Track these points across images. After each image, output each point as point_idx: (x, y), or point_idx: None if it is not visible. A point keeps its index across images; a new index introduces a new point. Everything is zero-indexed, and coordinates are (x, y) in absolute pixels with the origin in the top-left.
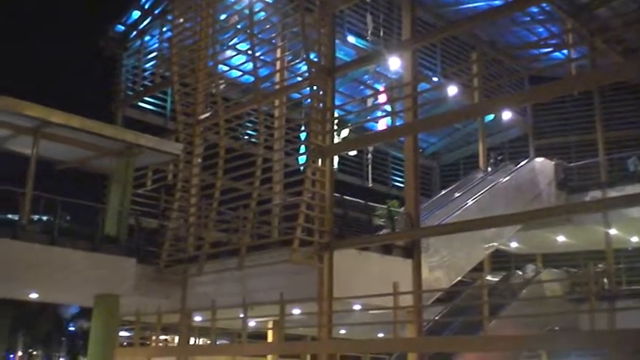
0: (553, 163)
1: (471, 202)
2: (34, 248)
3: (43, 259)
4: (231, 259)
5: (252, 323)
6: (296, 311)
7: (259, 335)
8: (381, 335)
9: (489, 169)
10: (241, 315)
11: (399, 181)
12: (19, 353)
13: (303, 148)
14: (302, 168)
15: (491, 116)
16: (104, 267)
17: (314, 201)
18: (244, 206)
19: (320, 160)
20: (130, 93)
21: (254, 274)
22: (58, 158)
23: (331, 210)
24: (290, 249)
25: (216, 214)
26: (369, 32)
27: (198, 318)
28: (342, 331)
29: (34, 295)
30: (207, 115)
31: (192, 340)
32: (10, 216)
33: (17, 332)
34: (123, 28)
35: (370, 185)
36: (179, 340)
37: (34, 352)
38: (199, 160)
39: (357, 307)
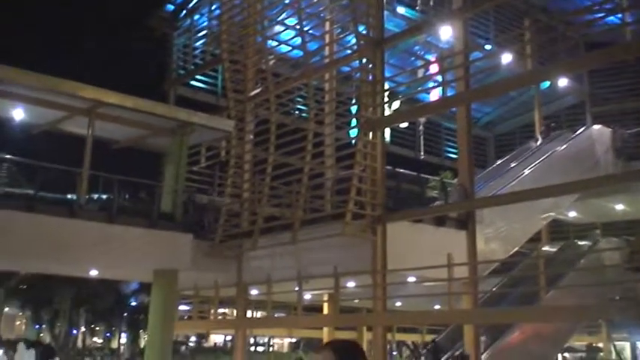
0: (610, 130)
1: (527, 172)
2: (92, 226)
3: (101, 236)
4: (285, 233)
5: (307, 296)
6: (350, 284)
7: (314, 308)
8: (436, 307)
9: (539, 138)
10: (296, 288)
11: (452, 153)
12: (82, 329)
13: (353, 122)
14: (353, 141)
15: (546, 84)
16: (161, 243)
17: (366, 174)
18: (296, 181)
19: (371, 133)
20: (182, 72)
21: (308, 248)
22: (114, 138)
23: (383, 183)
24: (343, 222)
25: (269, 189)
26: (419, 2)
27: (254, 291)
28: (398, 304)
29: (94, 273)
30: (257, 91)
31: (249, 313)
32: (68, 196)
33: (79, 308)
34: (172, 7)
35: (422, 157)
36: (236, 313)
37: (97, 328)
38: (251, 136)
39: (411, 279)
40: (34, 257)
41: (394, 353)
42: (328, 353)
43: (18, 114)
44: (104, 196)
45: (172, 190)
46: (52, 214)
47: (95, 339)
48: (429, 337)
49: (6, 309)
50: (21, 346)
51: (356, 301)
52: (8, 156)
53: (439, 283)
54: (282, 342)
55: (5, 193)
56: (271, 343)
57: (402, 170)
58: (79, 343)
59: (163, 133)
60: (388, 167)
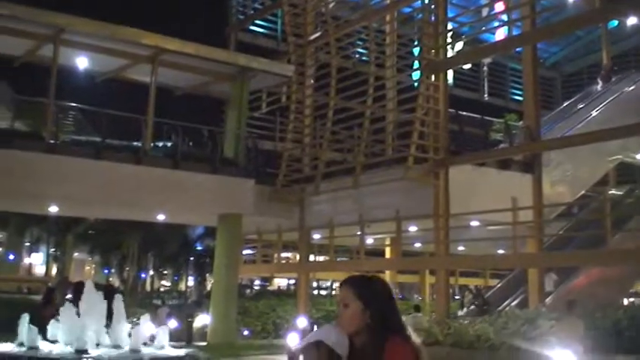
0: None
1: (595, 114)
2: (157, 172)
3: (166, 182)
4: (347, 177)
5: (369, 240)
6: (412, 228)
7: (376, 252)
8: (500, 252)
9: (599, 81)
10: (358, 232)
11: (517, 94)
12: (150, 272)
13: (415, 64)
14: (415, 84)
15: (614, 22)
16: (225, 188)
17: (428, 117)
18: (358, 125)
19: (433, 76)
20: (242, 17)
21: (369, 192)
22: (176, 85)
23: (446, 126)
24: (405, 166)
25: (330, 134)
26: None
27: (316, 236)
28: (460, 248)
29: (161, 217)
30: (317, 35)
31: (311, 257)
32: (134, 143)
33: (147, 253)
34: None
35: (486, 99)
36: (299, 257)
37: (164, 272)
38: (311, 80)
39: (474, 223)
40: (102, 203)
41: (457, 297)
42: (346, 289)
43: (82, 63)
44: (168, 144)
45: (234, 135)
46: (119, 160)
47: (163, 282)
48: (492, 282)
49: (75, 254)
50: (89, 287)
51: (418, 245)
52: (74, 104)
53: (503, 227)
54: None
55: (73, 141)
56: (334, 287)
57: (465, 113)
58: (148, 286)
59: (224, 79)
60: (451, 110)
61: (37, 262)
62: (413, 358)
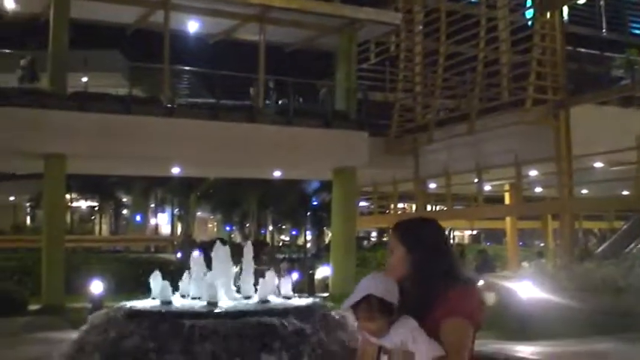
0: None
1: None
2: (271, 129)
3: (280, 139)
4: (461, 124)
5: (486, 187)
6: (532, 172)
7: (494, 199)
8: (624, 193)
9: None
10: (475, 180)
11: (638, 27)
12: (270, 228)
13: (529, 2)
14: (529, 23)
15: None
16: (338, 142)
17: (545, 57)
18: (470, 70)
19: (548, 13)
20: None
21: (486, 138)
22: (285, 41)
23: (564, 65)
24: (522, 109)
25: (442, 80)
26: None
27: (432, 185)
28: (584, 191)
29: (277, 174)
30: None
31: (428, 207)
32: (247, 102)
33: (266, 209)
34: None
35: (605, 35)
36: (416, 206)
37: (283, 227)
38: (420, 27)
39: (597, 164)
40: (220, 163)
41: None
42: (392, 233)
43: (193, 26)
44: (280, 101)
45: (345, 89)
46: (234, 120)
47: (282, 237)
48: (617, 224)
49: (198, 213)
50: (217, 244)
51: (538, 190)
52: (188, 68)
53: (627, 167)
54: (463, 234)
55: (189, 104)
56: (452, 236)
57: (583, 50)
58: (268, 241)
59: (332, 32)
60: (568, 48)
61: (162, 222)
62: (475, 307)
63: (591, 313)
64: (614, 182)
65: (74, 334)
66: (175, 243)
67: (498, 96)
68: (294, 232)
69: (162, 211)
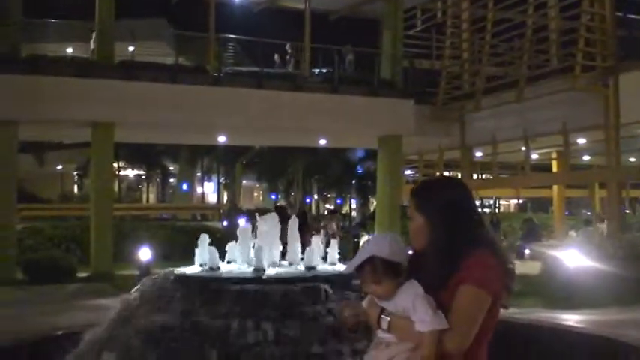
0: None
1: None
2: (317, 98)
3: (326, 107)
4: (509, 92)
5: (533, 156)
6: (580, 140)
7: (540, 167)
8: None
9: None
10: (523, 148)
11: None
12: (315, 196)
13: None
14: None
15: None
16: (384, 110)
17: (593, 23)
18: (518, 36)
19: None
20: None
21: (533, 106)
22: (330, 8)
23: (613, 31)
24: (571, 76)
25: (489, 47)
26: None
27: (478, 154)
28: (631, 159)
29: (322, 142)
30: None
31: (474, 176)
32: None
33: (311, 178)
34: None
35: None
36: (461, 175)
37: (328, 196)
38: None
39: None
40: (266, 131)
41: (626, 211)
42: (410, 198)
43: None
44: (324, 70)
45: (391, 56)
46: (279, 88)
47: (327, 205)
48: None
49: (244, 182)
50: (272, 212)
51: (586, 158)
52: (234, 36)
53: None
54: (509, 203)
55: (235, 72)
56: (497, 205)
57: (633, 16)
58: (313, 210)
59: None
60: (618, 14)
61: (208, 191)
62: (494, 275)
63: (637, 281)
64: None
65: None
66: (222, 211)
67: (546, 63)
68: (338, 202)
69: (209, 180)
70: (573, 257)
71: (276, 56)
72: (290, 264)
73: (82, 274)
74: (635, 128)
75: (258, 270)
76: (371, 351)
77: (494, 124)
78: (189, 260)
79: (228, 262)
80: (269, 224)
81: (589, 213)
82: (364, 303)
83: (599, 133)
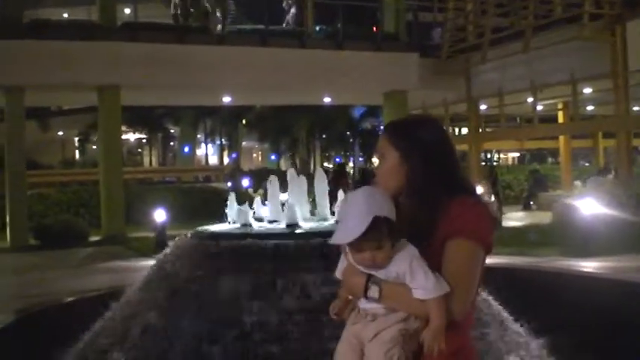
0: None
1: None
2: (321, 54)
3: (331, 63)
4: (515, 42)
5: (538, 107)
6: (587, 90)
7: (544, 119)
8: None
9: None
10: (530, 99)
11: None
12: (317, 155)
13: None
14: None
15: None
16: (388, 64)
17: None
18: None
19: None
20: None
21: (540, 56)
22: None
23: None
24: (579, 25)
25: None
26: None
27: (483, 106)
28: (635, 108)
29: (327, 100)
30: None
31: (480, 129)
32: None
33: (314, 136)
34: None
35: None
36: (469, 128)
37: (327, 155)
38: None
39: None
40: (271, 89)
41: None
42: (382, 136)
43: None
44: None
45: (394, 10)
46: (284, 46)
47: (325, 164)
48: None
49: (243, 143)
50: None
51: (590, 108)
52: None
53: None
54: (507, 156)
55: (239, 31)
56: (496, 159)
57: None
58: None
59: None
60: None
61: (209, 153)
62: (486, 226)
63: None
64: None
65: (147, 262)
66: (225, 173)
67: (552, 13)
68: (337, 160)
69: (211, 142)
70: (586, 205)
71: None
72: (320, 219)
73: (94, 238)
74: None
75: (292, 225)
76: (351, 325)
77: (501, 76)
78: (202, 221)
79: (257, 219)
80: (297, 180)
81: (587, 164)
82: (337, 273)
83: (606, 82)
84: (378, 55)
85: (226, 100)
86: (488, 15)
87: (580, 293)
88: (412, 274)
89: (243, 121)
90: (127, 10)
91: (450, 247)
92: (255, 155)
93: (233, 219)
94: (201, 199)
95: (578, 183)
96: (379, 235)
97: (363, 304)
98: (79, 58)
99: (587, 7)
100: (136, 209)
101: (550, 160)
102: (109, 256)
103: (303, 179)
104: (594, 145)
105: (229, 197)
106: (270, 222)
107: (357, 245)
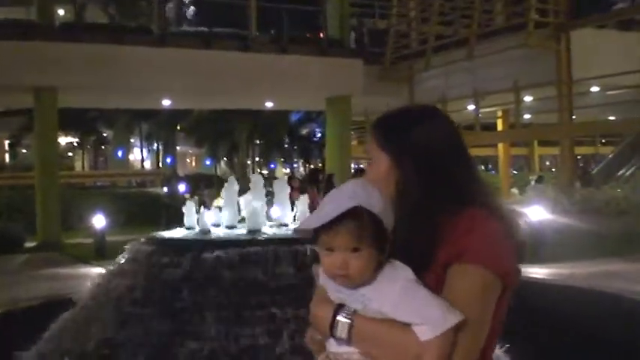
0: None
1: None
2: (265, 58)
3: (274, 68)
4: (459, 50)
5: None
6: (527, 98)
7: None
8: (611, 118)
9: None
10: (472, 106)
11: None
12: (256, 160)
13: None
14: None
15: None
16: (332, 70)
17: None
18: None
19: None
20: None
21: (485, 64)
22: None
23: None
24: (525, 32)
25: (438, 5)
26: None
27: None
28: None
29: (269, 104)
30: None
31: None
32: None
33: (253, 141)
34: None
35: None
36: None
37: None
38: None
39: (594, 88)
40: (212, 93)
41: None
42: (370, 134)
43: None
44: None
45: (338, 15)
46: (226, 49)
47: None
48: (603, 150)
49: (177, 147)
50: (254, 176)
51: (527, 116)
52: None
53: (622, 91)
54: None
55: (181, 32)
56: None
57: None
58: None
59: None
60: None
61: (142, 157)
62: (503, 248)
63: (598, 235)
64: (605, 107)
65: (87, 268)
66: (163, 178)
67: (491, 22)
68: (272, 166)
69: (145, 146)
70: (534, 212)
71: None
72: (280, 225)
73: (29, 244)
74: (585, 85)
75: (254, 232)
76: None
77: (444, 83)
78: (141, 226)
79: (213, 225)
80: (258, 185)
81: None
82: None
83: (548, 90)
84: (322, 60)
85: (166, 103)
86: (431, 22)
87: (529, 300)
88: (405, 304)
89: (181, 125)
90: (62, 12)
91: (451, 274)
92: (188, 160)
93: (190, 225)
94: (138, 204)
95: (515, 191)
96: (358, 230)
97: (332, 346)
98: (15, 59)
99: (532, 15)
100: (69, 214)
101: (481, 167)
102: (46, 262)
103: (262, 183)
104: (530, 153)
105: (187, 203)
106: (228, 227)
107: (327, 238)
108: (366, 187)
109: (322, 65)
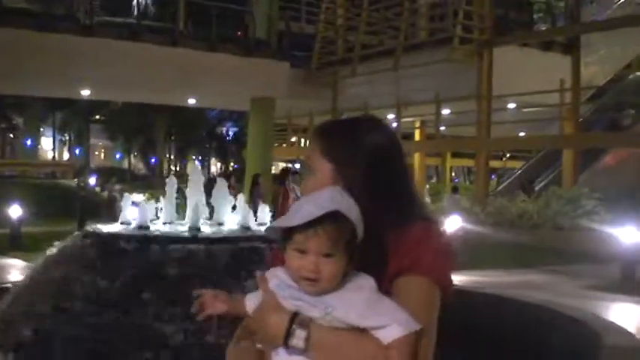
0: None
1: None
2: (193, 55)
3: (201, 65)
4: (386, 60)
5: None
6: (445, 111)
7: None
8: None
9: None
10: (392, 115)
11: None
12: (172, 157)
13: None
14: None
15: None
16: (259, 71)
17: None
18: (397, 4)
19: None
20: None
21: (409, 75)
22: None
23: (491, 5)
24: (450, 47)
25: (366, 15)
26: None
27: None
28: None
29: (192, 101)
30: None
31: None
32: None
33: (171, 138)
34: None
35: None
36: None
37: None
38: None
39: (511, 105)
40: (136, 86)
41: (457, 180)
42: (311, 140)
43: None
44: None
45: (266, 16)
46: (155, 42)
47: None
48: (511, 164)
49: (92, 140)
50: (192, 167)
51: (442, 128)
52: None
53: (539, 109)
54: None
55: (108, 23)
56: None
57: None
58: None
59: None
60: None
61: (49, 147)
62: (442, 260)
63: (511, 246)
64: (524, 123)
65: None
66: (75, 169)
67: (415, 34)
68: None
69: (57, 136)
70: (451, 222)
71: None
72: (218, 223)
73: None
74: (504, 101)
75: (194, 229)
76: None
77: (368, 91)
78: (56, 218)
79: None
80: (197, 182)
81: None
82: (248, 308)
83: (467, 103)
84: (249, 60)
85: (85, 93)
86: (359, 31)
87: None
88: (374, 309)
89: (97, 117)
90: None
91: (401, 285)
92: (97, 153)
93: (126, 219)
94: (50, 196)
95: (428, 200)
96: (336, 234)
97: (281, 356)
98: None
99: (458, 31)
100: None
101: None
102: None
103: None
104: (442, 163)
105: (124, 197)
106: (165, 224)
107: (302, 239)
108: (343, 195)
109: (249, 65)
